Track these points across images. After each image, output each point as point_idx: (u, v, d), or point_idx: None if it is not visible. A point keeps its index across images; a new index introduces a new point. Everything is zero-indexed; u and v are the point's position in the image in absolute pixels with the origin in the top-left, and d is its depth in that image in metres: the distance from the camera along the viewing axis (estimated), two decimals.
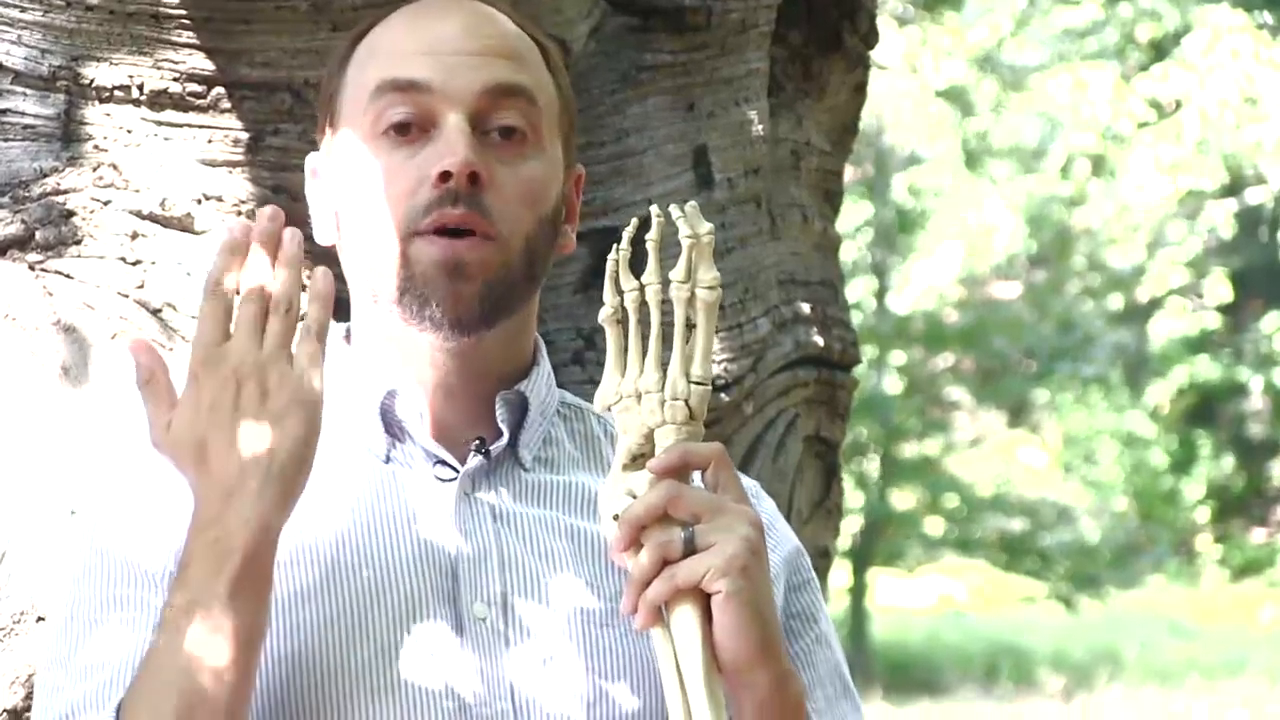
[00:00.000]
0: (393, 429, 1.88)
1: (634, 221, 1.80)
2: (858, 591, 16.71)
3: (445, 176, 1.82)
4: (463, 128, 1.84)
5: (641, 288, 1.79)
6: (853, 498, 15.56)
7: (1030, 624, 18.69)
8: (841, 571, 16.33)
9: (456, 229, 1.82)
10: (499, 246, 1.84)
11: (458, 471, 1.86)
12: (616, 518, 1.76)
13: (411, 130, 1.85)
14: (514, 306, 1.87)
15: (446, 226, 1.82)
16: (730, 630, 1.72)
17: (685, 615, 1.73)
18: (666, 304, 1.79)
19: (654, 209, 1.79)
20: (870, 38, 3.04)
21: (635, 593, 1.74)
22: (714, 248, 1.80)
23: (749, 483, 1.97)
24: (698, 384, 1.78)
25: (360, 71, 1.89)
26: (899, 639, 17.77)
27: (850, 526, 15.71)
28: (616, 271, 1.80)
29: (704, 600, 1.73)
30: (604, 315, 1.80)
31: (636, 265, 1.80)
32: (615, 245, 1.79)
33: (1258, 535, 19.43)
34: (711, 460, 1.77)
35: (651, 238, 1.78)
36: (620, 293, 1.80)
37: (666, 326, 1.78)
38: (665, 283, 1.79)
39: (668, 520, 1.74)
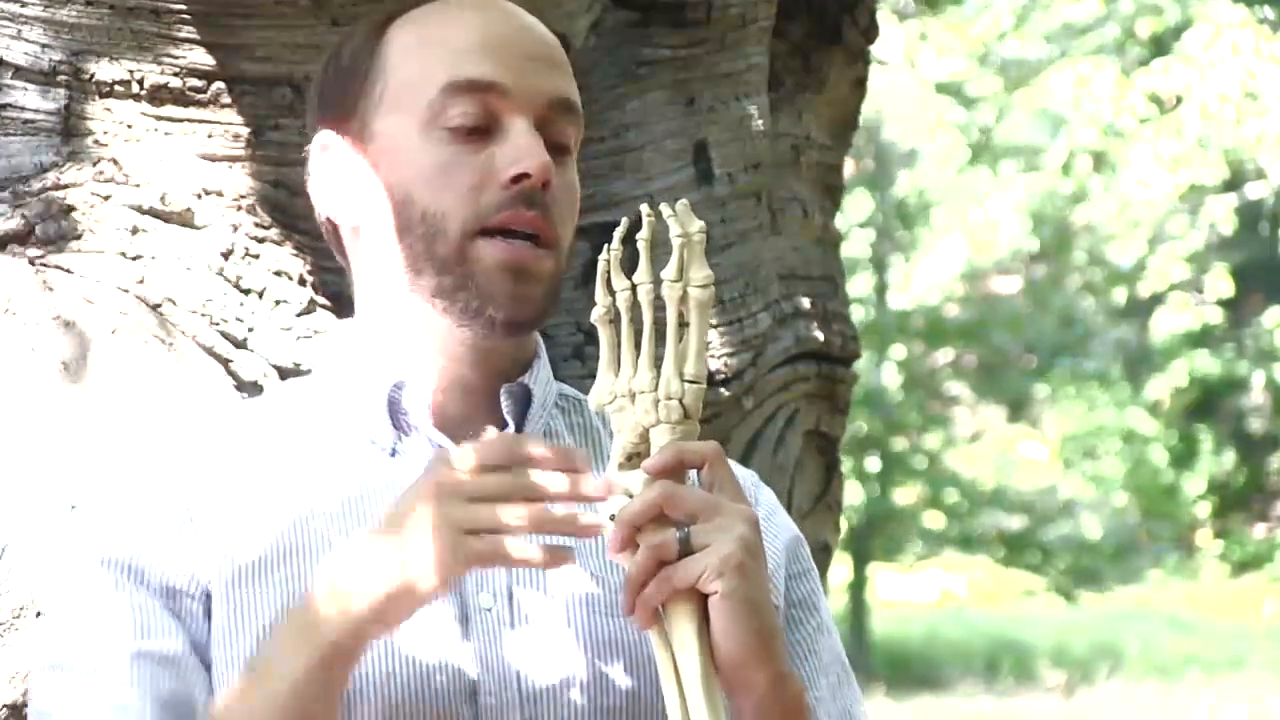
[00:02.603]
0: (399, 421, 1.88)
1: (624, 221, 1.80)
2: (858, 586, 16.72)
3: (520, 178, 1.82)
4: (534, 132, 1.84)
5: (633, 287, 1.79)
6: (853, 492, 15.56)
7: (1031, 619, 18.70)
8: (841, 566, 16.34)
9: (519, 233, 1.83)
10: (555, 254, 1.86)
11: None
12: (613, 518, 1.76)
13: (477, 128, 1.85)
14: (555, 310, 1.91)
15: (517, 225, 1.83)
16: (727, 630, 1.72)
17: (682, 616, 1.73)
18: (659, 303, 1.79)
19: (644, 208, 1.79)
20: (870, 32, 3.05)
21: (632, 594, 1.74)
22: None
23: (747, 473, 1.97)
24: (692, 383, 1.78)
25: (416, 60, 1.87)
26: (899, 634, 17.78)
27: (850, 521, 15.72)
28: (608, 271, 1.80)
29: (701, 600, 1.73)
30: (596, 315, 1.80)
31: (628, 265, 1.80)
32: (606, 245, 1.79)
33: (1258, 530, 19.43)
34: (707, 459, 1.77)
35: (643, 237, 1.78)
36: (612, 292, 1.80)
37: (658, 325, 1.78)
38: (657, 282, 1.79)
39: (664, 520, 1.75)
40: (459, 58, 1.86)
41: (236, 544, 1.81)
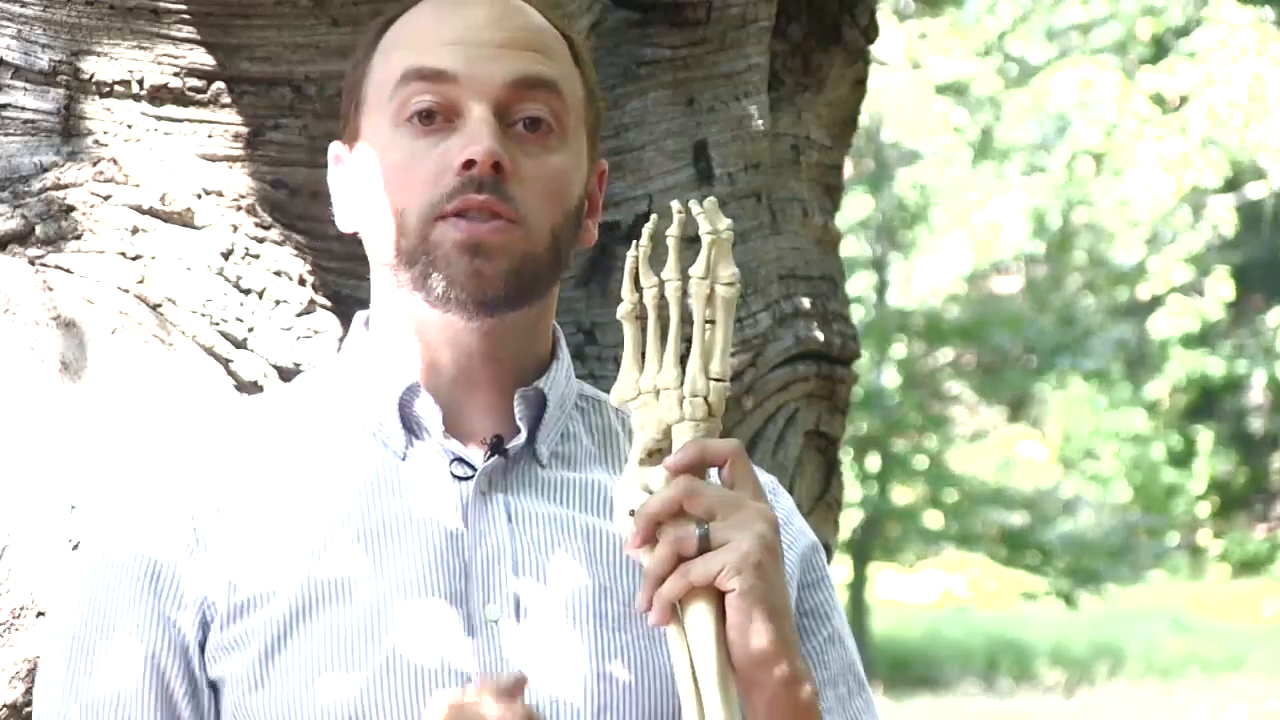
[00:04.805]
0: (411, 425, 1.88)
1: (654, 217, 1.80)
2: (858, 586, 16.71)
3: (469, 165, 1.82)
4: (487, 118, 1.84)
5: (661, 284, 1.79)
6: (853, 492, 15.56)
7: (1031, 619, 18.69)
8: (841, 566, 16.33)
9: (479, 213, 1.82)
10: (524, 232, 1.84)
11: (474, 469, 1.86)
12: (632, 513, 1.75)
13: (436, 119, 1.85)
14: (538, 291, 1.87)
15: (469, 210, 1.82)
16: (743, 628, 1.72)
17: (699, 612, 1.73)
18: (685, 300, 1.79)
19: (675, 204, 1.79)
20: (870, 32, 3.05)
21: (650, 589, 1.73)
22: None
23: (766, 478, 1.97)
24: (717, 380, 1.78)
25: (386, 59, 1.89)
26: (899, 634, 17.77)
27: (850, 521, 15.71)
28: (636, 268, 1.79)
29: (718, 598, 1.72)
30: (623, 311, 1.79)
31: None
32: (635, 242, 1.79)
33: (1259, 531, 19.43)
34: (729, 457, 1.77)
35: (673, 234, 1.78)
36: (639, 289, 1.79)
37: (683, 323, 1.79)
38: (685, 279, 1.79)
39: (683, 516, 1.74)
40: (416, 50, 1.87)
41: (255, 564, 1.82)
